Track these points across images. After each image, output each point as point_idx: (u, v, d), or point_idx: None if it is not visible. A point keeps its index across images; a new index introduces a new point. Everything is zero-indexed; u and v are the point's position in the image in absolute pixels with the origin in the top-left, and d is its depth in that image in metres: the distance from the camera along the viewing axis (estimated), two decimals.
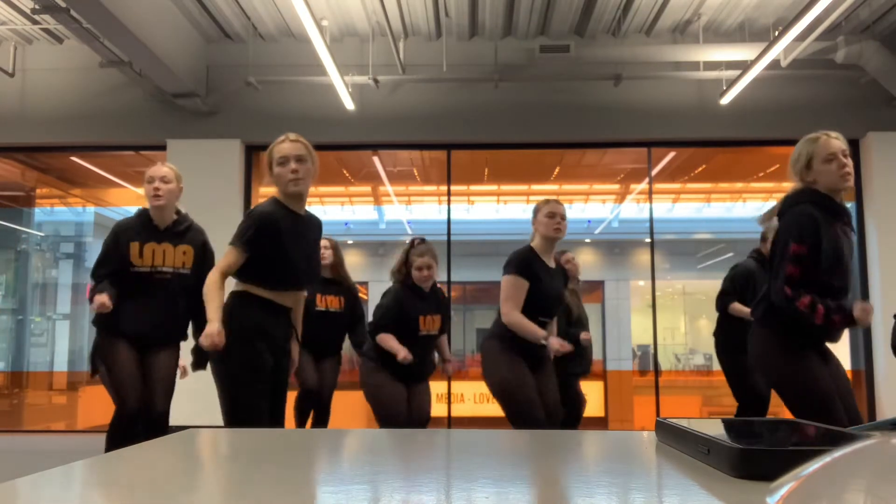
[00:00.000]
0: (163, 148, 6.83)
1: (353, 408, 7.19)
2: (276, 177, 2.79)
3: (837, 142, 2.71)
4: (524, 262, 3.53)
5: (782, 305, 2.58)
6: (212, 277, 2.78)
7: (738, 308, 4.51)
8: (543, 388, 3.56)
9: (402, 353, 3.80)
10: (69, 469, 0.55)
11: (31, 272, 9.95)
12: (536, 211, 3.63)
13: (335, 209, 11.49)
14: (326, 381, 4.49)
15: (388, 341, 3.89)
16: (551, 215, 3.55)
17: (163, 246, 3.41)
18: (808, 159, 2.77)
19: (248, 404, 2.73)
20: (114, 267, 3.36)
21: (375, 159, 8.80)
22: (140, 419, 3.34)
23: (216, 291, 2.77)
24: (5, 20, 6.67)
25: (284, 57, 7.06)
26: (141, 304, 3.37)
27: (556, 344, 3.40)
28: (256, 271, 2.77)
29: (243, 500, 0.45)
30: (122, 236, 3.39)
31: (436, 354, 4.18)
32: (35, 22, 6.61)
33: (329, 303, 4.51)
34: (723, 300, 4.65)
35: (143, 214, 3.46)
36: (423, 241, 4.08)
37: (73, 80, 7.12)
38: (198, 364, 3.26)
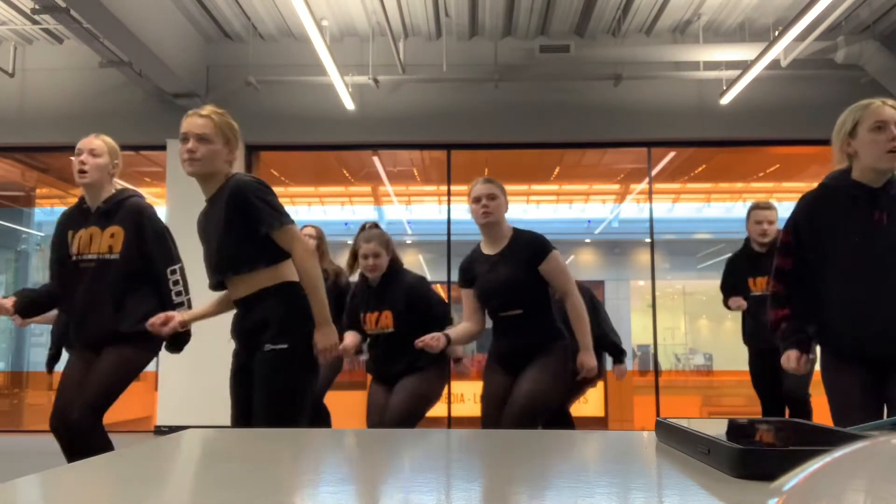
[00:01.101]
0: (163, 148, 6.83)
1: (353, 408, 7.20)
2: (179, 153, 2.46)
3: (893, 111, 2.26)
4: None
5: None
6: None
7: (734, 301, 4.33)
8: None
9: (343, 346, 3.33)
10: (69, 469, 0.55)
11: (31, 272, 9.95)
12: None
13: (335, 209, 11.49)
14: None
15: (345, 338, 3.51)
16: (476, 200, 3.10)
17: (90, 230, 2.91)
18: (854, 125, 2.35)
19: (305, 411, 2.35)
20: (57, 262, 2.97)
21: (375, 159, 8.80)
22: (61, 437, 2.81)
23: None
24: (5, 20, 6.68)
25: (284, 57, 7.06)
26: (68, 301, 2.94)
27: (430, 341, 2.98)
28: (282, 251, 2.39)
29: (243, 500, 0.45)
30: (62, 226, 3.01)
31: (460, 349, 3.78)
32: (35, 22, 6.62)
33: None
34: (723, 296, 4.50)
35: (81, 198, 3.02)
36: (375, 225, 3.64)
37: (73, 80, 7.13)
38: (172, 346, 2.85)
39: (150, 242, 2.89)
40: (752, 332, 4.29)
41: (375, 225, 3.64)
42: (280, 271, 2.36)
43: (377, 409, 3.48)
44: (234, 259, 2.35)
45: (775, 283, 2.37)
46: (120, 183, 3.08)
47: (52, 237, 3.04)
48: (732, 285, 4.35)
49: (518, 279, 3.04)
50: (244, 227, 2.32)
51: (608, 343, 4.29)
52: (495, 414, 3.03)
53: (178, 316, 2.57)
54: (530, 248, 3.07)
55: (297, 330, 2.33)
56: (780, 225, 3.96)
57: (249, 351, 2.35)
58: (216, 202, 2.40)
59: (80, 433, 2.71)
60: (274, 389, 2.28)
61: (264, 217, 2.32)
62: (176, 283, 2.89)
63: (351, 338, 3.51)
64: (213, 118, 2.38)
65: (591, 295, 4.31)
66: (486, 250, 3.16)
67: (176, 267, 2.92)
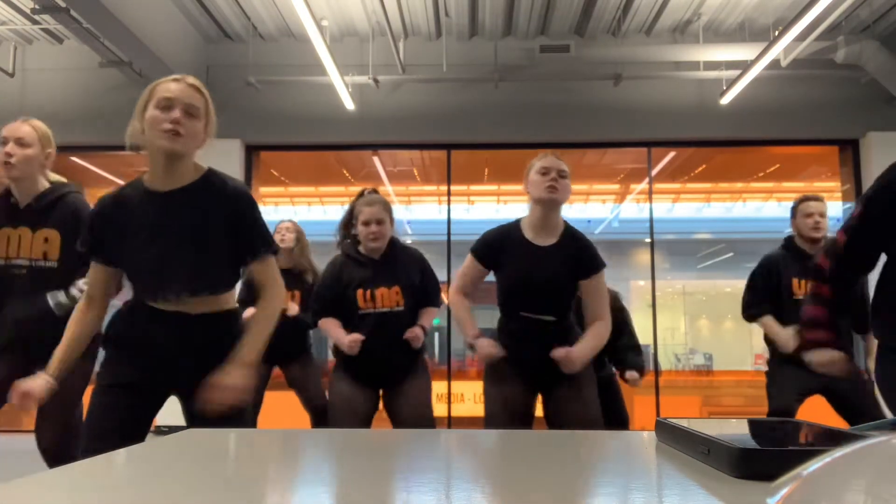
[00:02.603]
0: None
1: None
2: (148, 122, 1.88)
3: None
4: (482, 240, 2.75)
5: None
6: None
7: (768, 326, 3.57)
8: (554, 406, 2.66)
9: (346, 341, 2.92)
10: (69, 469, 0.55)
11: None
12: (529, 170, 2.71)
13: (335, 209, 11.48)
14: (309, 389, 3.99)
15: (330, 329, 3.05)
16: (544, 171, 2.62)
17: (19, 231, 2.51)
18: None
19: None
20: None
21: (375, 159, 8.80)
22: None
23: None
24: (5, 20, 6.68)
25: (284, 57, 7.06)
26: (4, 313, 2.51)
27: (484, 348, 2.59)
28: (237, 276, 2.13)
29: (243, 500, 0.45)
30: None
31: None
32: (35, 22, 6.62)
33: None
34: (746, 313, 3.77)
35: (6, 191, 2.59)
36: (374, 191, 3.24)
37: (73, 80, 7.13)
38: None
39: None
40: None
41: (374, 190, 3.23)
42: (233, 295, 2.07)
43: (355, 418, 2.97)
44: (214, 277, 1.95)
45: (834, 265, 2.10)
46: (53, 176, 2.68)
47: None
48: (768, 290, 3.59)
49: (565, 283, 2.61)
50: (232, 243, 1.96)
51: (630, 361, 3.77)
52: (512, 425, 2.61)
53: (38, 384, 1.96)
54: (584, 254, 2.65)
55: None
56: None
57: (201, 370, 1.88)
58: (186, 196, 1.94)
59: (61, 458, 2.43)
60: (239, 413, 1.94)
61: (257, 240, 1.97)
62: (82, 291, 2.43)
63: (339, 328, 3.04)
64: (202, 91, 1.98)
65: (622, 307, 3.78)
66: (532, 237, 2.64)
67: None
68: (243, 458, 0.62)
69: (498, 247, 2.68)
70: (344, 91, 6.59)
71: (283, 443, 0.76)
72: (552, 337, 2.58)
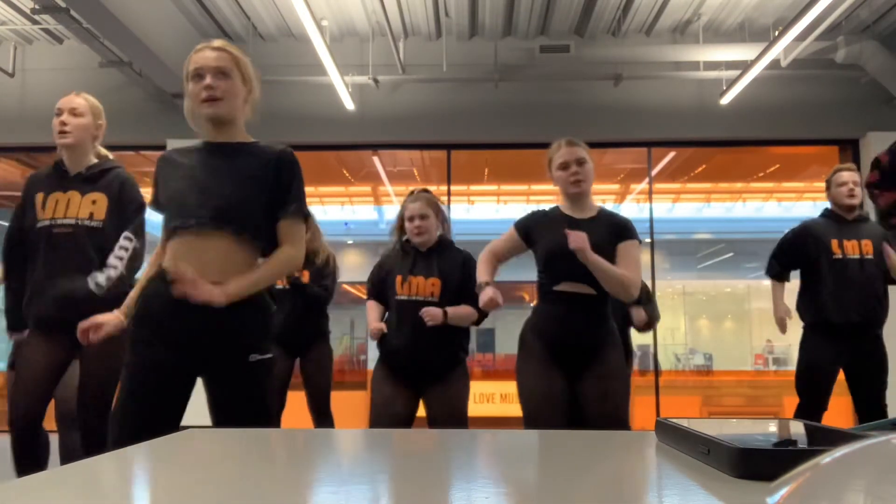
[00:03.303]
0: (163, 148, 6.82)
1: (353, 408, 7.19)
2: (190, 97, 1.99)
3: None
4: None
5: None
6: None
7: (774, 293, 3.78)
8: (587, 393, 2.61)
9: (373, 324, 3.11)
10: (69, 469, 0.55)
11: None
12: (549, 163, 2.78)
13: (335, 209, 11.48)
14: (313, 379, 4.00)
15: (369, 310, 3.22)
16: (564, 166, 2.69)
17: (68, 194, 2.64)
18: None
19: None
20: (19, 225, 2.68)
21: (375, 159, 8.80)
22: (35, 441, 2.55)
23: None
24: (5, 20, 6.68)
25: (284, 57, 7.06)
26: (43, 272, 2.59)
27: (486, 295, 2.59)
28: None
29: (243, 500, 0.45)
30: (30, 188, 2.70)
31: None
32: (35, 22, 6.62)
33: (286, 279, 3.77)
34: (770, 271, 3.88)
35: (58, 161, 2.74)
36: (425, 190, 3.31)
37: (73, 80, 7.11)
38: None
39: (124, 210, 2.64)
40: (821, 304, 3.55)
41: (425, 190, 3.31)
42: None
43: (396, 419, 3.00)
44: (241, 215, 1.93)
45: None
46: (102, 150, 2.82)
47: (18, 205, 2.73)
48: (801, 251, 3.67)
49: (604, 247, 2.57)
50: (268, 197, 1.96)
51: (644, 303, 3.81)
52: (556, 419, 2.56)
53: (110, 319, 2.11)
54: (621, 223, 2.69)
55: (270, 341, 2.05)
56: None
57: (220, 356, 1.92)
58: (236, 148, 2.01)
59: (88, 442, 2.51)
60: (261, 403, 1.99)
61: (290, 198, 1.99)
62: (124, 249, 2.58)
63: (374, 314, 3.18)
64: (228, 50, 2.00)
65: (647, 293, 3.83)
66: (570, 213, 2.72)
67: (132, 236, 2.61)
68: (243, 458, 0.62)
69: (539, 221, 2.75)
70: (344, 91, 6.59)
71: (283, 443, 0.76)
72: (594, 316, 2.61)
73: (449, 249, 3.20)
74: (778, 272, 3.81)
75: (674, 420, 0.63)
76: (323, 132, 7.09)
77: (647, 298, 3.82)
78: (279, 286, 3.74)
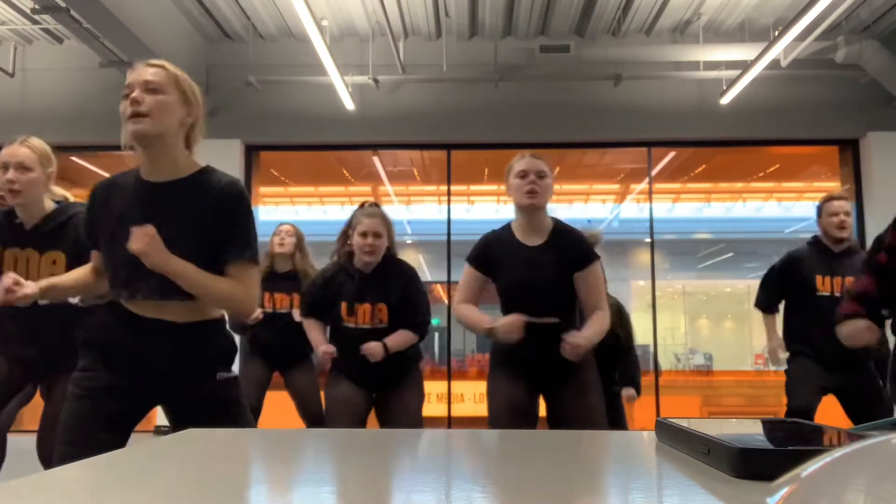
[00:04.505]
0: None
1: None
2: (121, 116, 1.82)
3: None
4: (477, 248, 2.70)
5: None
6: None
7: (768, 326, 3.75)
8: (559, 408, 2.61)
9: (322, 347, 3.04)
10: (69, 469, 0.55)
11: None
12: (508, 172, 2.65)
13: (335, 209, 11.48)
14: (306, 397, 3.94)
15: (311, 331, 3.14)
16: (522, 174, 2.57)
17: (26, 252, 2.52)
18: None
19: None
20: None
21: (375, 159, 8.80)
22: None
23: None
24: (5, 20, 6.68)
25: (284, 57, 7.06)
26: (13, 328, 2.54)
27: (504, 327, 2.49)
28: None
29: (243, 500, 0.45)
30: None
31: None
32: (35, 22, 6.62)
33: (278, 302, 3.83)
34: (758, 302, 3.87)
35: (10, 211, 2.56)
36: (375, 204, 3.17)
37: (73, 80, 7.13)
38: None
39: (84, 261, 2.50)
40: (805, 339, 3.55)
41: (376, 204, 3.18)
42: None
43: (353, 417, 2.97)
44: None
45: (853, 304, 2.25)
46: (57, 190, 2.66)
47: None
48: (787, 285, 3.65)
49: (560, 280, 2.54)
50: (216, 240, 1.80)
51: (628, 378, 3.82)
52: (518, 423, 2.57)
53: (29, 286, 1.99)
54: (576, 247, 2.60)
55: (231, 364, 1.96)
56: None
57: (186, 379, 1.83)
58: (175, 190, 1.82)
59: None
60: (237, 413, 1.92)
61: (238, 241, 1.82)
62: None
63: (319, 336, 3.12)
64: (166, 67, 1.84)
65: (627, 321, 3.81)
66: (522, 238, 2.60)
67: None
68: (243, 458, 0.62)
69: (491, 252, 2.64)
70: (344, 91, 6.59)
71: (283, 443, 0.76)
72: (556, 339, 2.49)
73: (394, 267, 3.06)
74: (766, 306, 3.78)
75: (674, 420, 0.63)
76: (323, 132, 7.10)
77: (626, 343, 3.76)
78: (275, 309, 3.80)
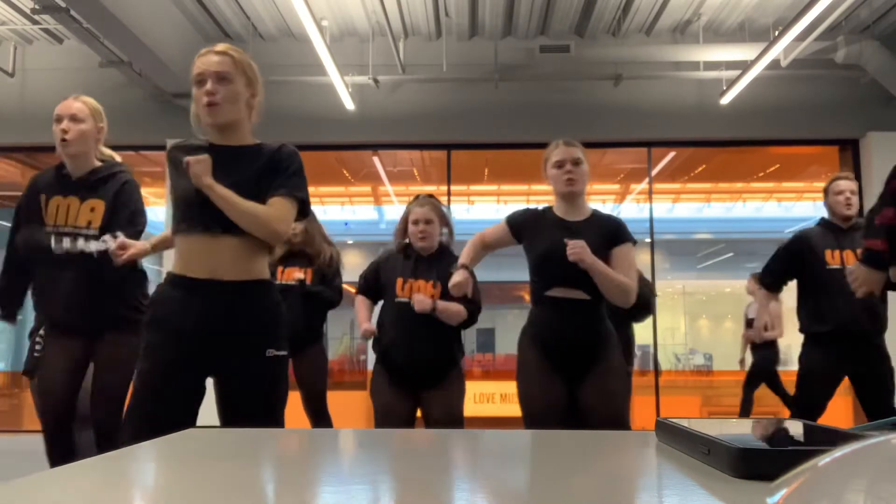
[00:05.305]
0: (163, 148, 6.79)
1: (353, 408, 7.19)
2: (195, 100, 2.05)
3: None
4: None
5: None
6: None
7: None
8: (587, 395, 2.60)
9: (364, 325, 3.19)
10: (69, 469, 0.55)
11: None
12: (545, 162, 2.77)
13: (335, 209, 11.49)
14: (308, 381, 3.93)
15: (359, 307, 3.28)
16: (559, 164, 2.69)
17: (68, 200, 2.62)
18: None
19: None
20: (28, 230, 2.66)
21: (375, 159, 8.80)
22: (65, 439, 2.61)
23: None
24: (5, 20, 6.68)
25: (284, 57, 7.06)
26: (48, 278, 2.62)
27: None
28: None
29: (243, 500, 0.45)
30: (33, 189, 2.69)
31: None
32: (35, 22, 6.62)
33: (289, 275, 3.84)
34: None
35: (60, 164, 2.70)
36: (429, 195, 3.34)
37: (73, 80, 7.12)
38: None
39: (119, 217, 2.61)
40: (819, 314, 3.53)
41: (431, 196, 3.33)
42: (265, 264, 2.11)
43: (399, 423, 3.06)
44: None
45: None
46: (107, 151, 2.79)
47: (20, 202, 2.70)
48: (796, 262, 3.64)
49: (596, 250, 2.55)
50: (270, 189, 2.02)
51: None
52: (555, 425, 2.53)
53: (138, 244, 2.31)
54: (614, 226, 2.67)
55: (286, 336, 2.10)
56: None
57: (235, 351, 1.96)
58: (240, 151, 2.05)
59: (109, 433, 2.53)
60: (276, 399, 2.05)
61: (286, 183, 2.02)
62: (104, 242, 2.52)
63: (365, 313, 3.25)
64: (230, 54, 2.03)
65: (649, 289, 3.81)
66: (562, 214, 2.71)
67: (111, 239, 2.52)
68: (243, 458, 0.62)
69: (532, 219, 2.75)
70: (344, 91, 6.59)
71: (283, 443, 0.76)
72: (589, 320, 2.60)
73: (448, 257, 3.21)
74: (770, 282, 3.78)
75: (674, 420, 0.63)
76: (323, 132, 7.10)
77: (645, 303, 3.72)
78: (285, 282, 3.79)
